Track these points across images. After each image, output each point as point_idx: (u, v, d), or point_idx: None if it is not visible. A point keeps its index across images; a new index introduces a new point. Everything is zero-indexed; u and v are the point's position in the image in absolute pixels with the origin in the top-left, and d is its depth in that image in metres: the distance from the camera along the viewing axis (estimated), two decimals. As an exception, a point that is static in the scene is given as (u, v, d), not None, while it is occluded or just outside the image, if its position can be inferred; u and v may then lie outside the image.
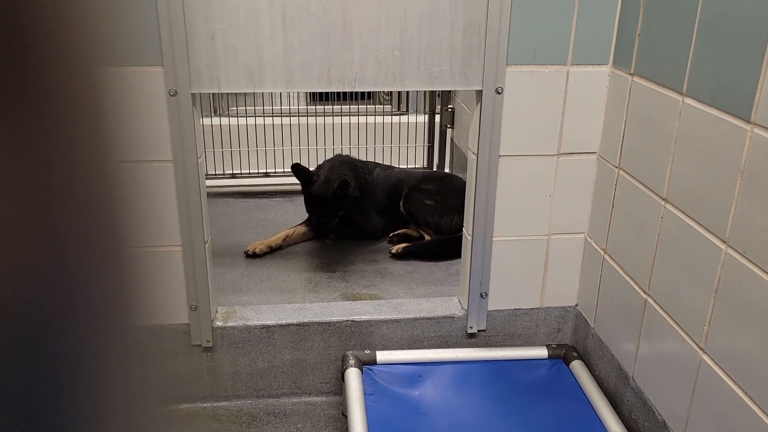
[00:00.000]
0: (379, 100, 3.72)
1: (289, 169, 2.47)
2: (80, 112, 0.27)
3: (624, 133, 1.67)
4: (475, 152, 1.77)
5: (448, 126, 3.21)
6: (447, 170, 3.23)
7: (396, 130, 3.22)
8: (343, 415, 1.84)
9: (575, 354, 1.89)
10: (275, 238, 2.47)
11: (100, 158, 0.28)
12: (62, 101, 0.26)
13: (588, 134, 1.79)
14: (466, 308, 1.93)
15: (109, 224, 0.29)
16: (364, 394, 1.72)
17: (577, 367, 1.85)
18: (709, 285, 1.33)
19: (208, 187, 1.88)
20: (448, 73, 1.69)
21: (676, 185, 1.45)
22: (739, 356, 1.26)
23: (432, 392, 1.78)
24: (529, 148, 1.78)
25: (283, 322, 1.87)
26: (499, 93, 1.70)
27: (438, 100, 3.24)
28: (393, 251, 2.41)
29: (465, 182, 1.91)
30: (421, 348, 1.93)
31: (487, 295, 1.90)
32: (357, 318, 1.90)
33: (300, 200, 2.52)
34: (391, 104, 3.70)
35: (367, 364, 1.84)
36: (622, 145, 1.68)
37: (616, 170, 1.71)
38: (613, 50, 1.71)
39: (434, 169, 3.25)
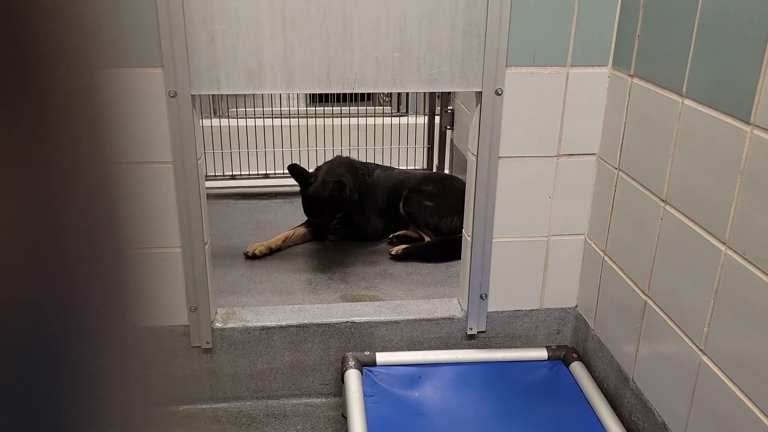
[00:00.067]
0: (379, 102, 3.72)
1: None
2: (80, 113, 0.27)
3: (624, 135, 1.67)
4: (475, 153, 1.77)
5: (448, 127, 3.21)
6: (447, 171, 3.23)
7: (396, 132, 3.23)
8: (343, 417, 1.84)
9: (575, 355, 1.89)
10: (275, 240, 2.47)
11: (99, 159, 0.28)
12: (62, 102, 0.26)
13: (588, 135, 1.79)
14: (465, 309, 1.92)
15: (109, 225, 0.29)
16: (364, 395, 1.72)
17: (577, 368, 1.85)
18: (709, 286, 1.33)
19: (207, 188, 1.88)
20: (448, 74, 1.69)
21: (676, 186, 1.45)
22: (738, 357, 1.26)
23: (432, 393, 1.78)
24: (529, 149, 1.78)
25: (283, 323, 1.87)
26: (498, 94, 1.70)
27: (438, 102, 3.24)
28: (393, 252, 2.41)
29: (465, 183, 1.91)
30: (420, 349, 1.93)
31: (486, 296, 1.90)
32: (357, 319, 1.90)
33: (300, 202, 2.52)
34: (390, 105, 3.70)
35: (366, 365, 1.84)
36: (621, 147, 1.69)
37: (616, 171, 1.72)
38: (612, 51, 1.71)
39: (434, 171, 3.25)
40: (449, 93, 3.16)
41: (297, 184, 2.47)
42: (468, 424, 1.69)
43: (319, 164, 2.64)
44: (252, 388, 1.91)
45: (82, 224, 0.27)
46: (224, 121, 3.17)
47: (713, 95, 1.31)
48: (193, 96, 1.62)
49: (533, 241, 1.87)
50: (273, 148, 3.12)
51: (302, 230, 2.54)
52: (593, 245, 1.85)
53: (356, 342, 1.90)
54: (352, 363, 1.81)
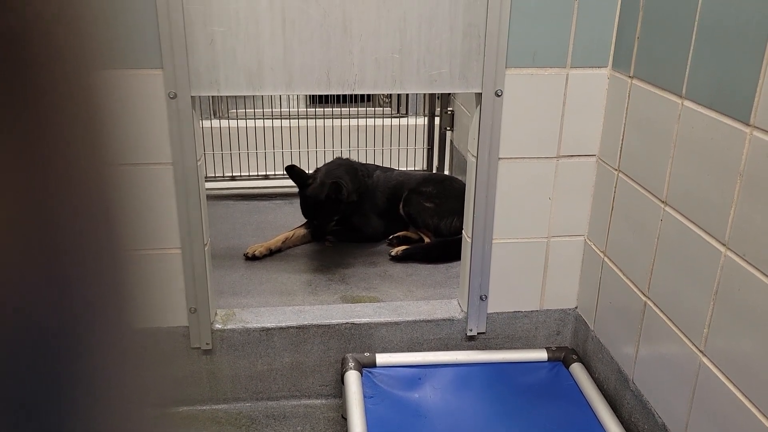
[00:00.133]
0: (379, 103, 3.72)
1: (289, 172, 2.47)
2: (75, 114, 0.27)
3: (623, 136, 1.67)
4: (475, 155, 1.77)
5: (448, 128, 3.21)
6: (446, 173, 3.23)
7: (395, 133, 3.23)
8: (343, 418, 1.84)
9: (575, 356, 1.89)
10: (275, 241, 2.47)
11: (95, 160, 0.28)
12: (57, 102, 0.25)
13: (587, 137, 1.79)
14: (465, 311, 1.92)
15: (104, 226, 0.29)
16: (364, 396, 1.72)
17: (577, 369, 1.85)
18: (709, 288, 1.33)
19: (207, 189, 1.88)
20: (448, 75, 1.69)
21: (676, 188, 1.45)
22: (738, 359, 1.26)
23: (432, 395, 1.78)
24: (529, 150, 1.78)
25: (283, 324, 1.87)
26: (498, 95, 1.70)
27: (437, 103, 3.24)
28: (392, 254, 2.41)
29: (464, 185, 1.91)
30: (420, 350, 1.92)
31: (486, 297, 1.90)
32: (356, 320, 1.90)
33: (299, 203, 2.52)
34: (390, 107, 3.70)
35: (366, 366, 1.84)
36: (621, 148, 1.69)
37: (616, 173, 1.72)
38: (612, 53, 1.71)
39: (434, 172, 3.25)
40: (449, 94, 3.16)
41: (296, 185, 2.47)
42: (468, 426, 1.69)
43: (318, 165, 2.64)
44: (252, 390, 1.91)
45: (78, 225, 0.27)
46: (224, 122, 3.17)
47: (713, 96, 1.31)
48: (192, 97, 1.62)
49: (533, 242, 1.87)
50: (273, 149, 3.12)
51: (302, 231, 2.54)
52: (593, 246, 1.85)
53: (356, 343, 1.90)
54: (351, 364, 1.81)
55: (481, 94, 1.70)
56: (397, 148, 3.23)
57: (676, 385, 1.46)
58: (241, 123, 3.16)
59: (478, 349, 1.95)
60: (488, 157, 1.75)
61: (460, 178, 2.77)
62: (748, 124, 1.21)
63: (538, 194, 1.82)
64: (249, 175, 3.12)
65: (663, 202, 1.50)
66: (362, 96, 3.59)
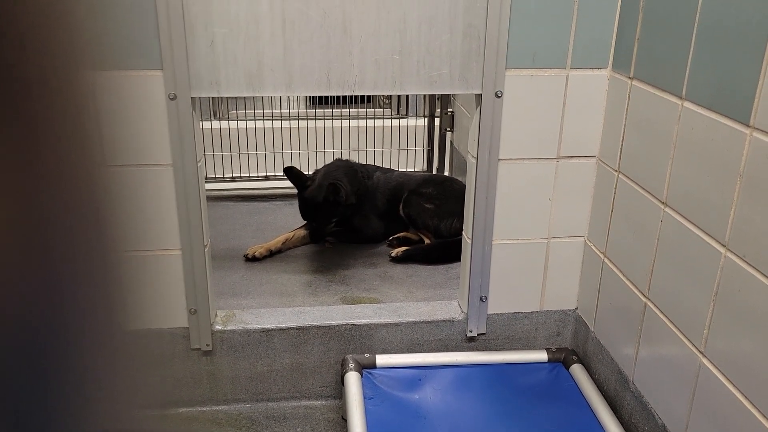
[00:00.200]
0: (379, 104, 3.72)
1: (289, 173, 2.47)
2: (65, 114, 0.26)
3: (623, 137, 1.67)
4: (475, 156, 1.77)
5: (448, 129, 3.21)
6: (446, 174, 3.23)
7: (395, 134, 3.23)
8: (343, 419, 1.83)
9: (575, 357, 1.89)
10: (275, 242, 2.47)
11: (86, 160, 0.28)
12: (47, 102, 0.25)
13: (587, 138, 1.79)
14: (465, 312, 1.92)
15: (95, 226, 0.29)
16: (364, 397, 1.72)
17: (577, 370, 1.85)
18: (709, 289, 1.33)
19: (207, 190, 1.88)
20: (448, 76, 1.69)
21: (676, 189, 1.45)
22: (738, 360, 1.26)
23: (432, 396, 1.78)
24: (529, 151, 1.78)
25: (283, 325, 1.87)
26: (498, 97, 1.70)
27: (437, 104, 3.24)
28: (393, 255, 2.41)
29: (464, 186, 1.91)
30: (420, 351, 1.92)
31: (486, 298, 1.90)
32: (357, 321, 1.90)
33: (299, 204, 2.52)
34: (390, 107, 3.70)
35: (366, 367, 1.84)
36: (621, 149, 1.69)
37: (616, 174, 1.72)
38: (612, 54, 1.71)
39: (434, 173, 3.25)
40: (449, 95, 3.17)
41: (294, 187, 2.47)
42: (468, 427, 1.69)
43: (319, 166, 2.64)
44: (252, 391, 1.91)
45: (68, 225, 0.27)
46: (224, 124, 3.17)
47: (713, 98, 1.31)
48: (193, 98, 1.62)
49: (533, 243, 1.87)
50: (273, 150, 3.13)
51: (302, 232, 2.54)
52: (593, 247, 1.85)
53: (356, 344, 1.90)
54: (352, 365, 1.81)
55: (481, 95, 1.70)
56: (397, 149, 3.23)
57: (676, 386, 1.46)
58: (242, 124, 3.16)
59: (478, 350, 1.95)
60: (488, 158, 1.75)
61: (460, 179, 2.77)
62: (748, 125, 1.21)
63: (538, 195, 1.82)
64: (249, 176, 3.13)
65: (663, 203, 1.50)
66: (362, 97, 3.59)
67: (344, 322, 1.89)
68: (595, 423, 1.68)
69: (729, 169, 1.26)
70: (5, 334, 0.25)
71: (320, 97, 3.43)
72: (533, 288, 1.92)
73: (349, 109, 3.29)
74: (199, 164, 1.67)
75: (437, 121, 3.24)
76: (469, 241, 1.85)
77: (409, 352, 1.92)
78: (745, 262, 1.22)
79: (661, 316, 1.51)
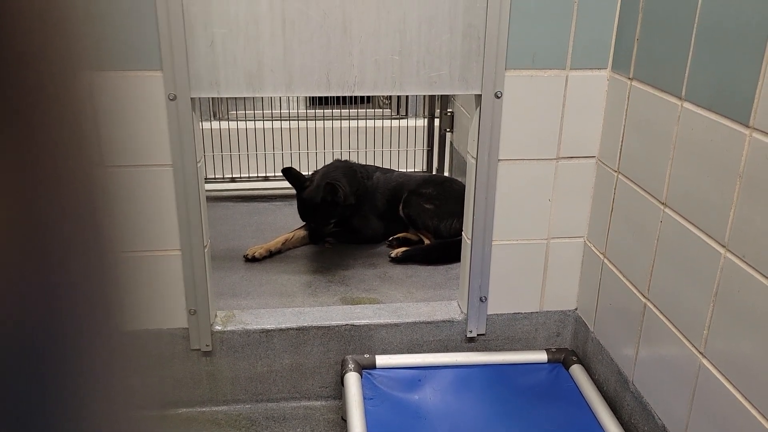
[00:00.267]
0: (379, 104, 3.72)
1: (288, 174, 2.47)
2: (62, 115, 0.26)
3: (623, 137, 1.67)
4: (475, 156, 1.77)
5: (448, 130, 3.21)
6: (446, 174, 3.23)
7: (395, 134, 3.23)
8: (343, 420, 1.83)
9: (575, 358, 1.89)
10: (275, 242, 2.47)
11: (83, 161, 0.28)
12: (43, 103, 0.25)
13: (587, 138, 1.79)
14: (465, 312, 1.92)
15: (93, 227, 0.29)
16: (364, 398, 1.72)
17: (577, 371, 1.85)
18: (709, 289, 1.33)
19: (207, 191, 1.88)
20: (448, 77, 1.69)
21: (675, 189, 1.45)
22: (738, 360, 1.26)
23: (431, 396, 1.77)
24: (529, 152, 1.78)
25: (283, 326, 1.87)
26: (498, 97, 1.70)
27: (437, 104, 3.24)
28: (392, 255, 2.41)
29: (464, 186, 1.91)
30: (420, 352, 1.92)
31: (486, 299, 1.90)
32: (356, 322, 1.90)
33: (299, 204, 2.52)
34: (390, 108, 3.70)
35: (366, 368, 1.83)
36: (621, 149, 1.69)
37: (615, 174, 1.72)
38: (612, 54, 1.71)
39: (434, 173, 3.25)
40: (449, 96, 3.16)
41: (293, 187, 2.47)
42: (468, 427, 1.69)
43: (319, 167, 2.64)
44: (251, 391, 1.91)
45: (64, 226, 0.27)
46: (224, 124, 3.17)
47: (712, 98, 1.31)
48: (192, 99, 1.62)
49: (533, 243, 1.87)
50: (273, 150, 3.13)
51: (302, 233, 2.54)
52: (593, 248, 1.85)
53: (356, 345, 1.90)
54: (351, 366, 1.81)
55: (480, 95, 1.70)
56: (396, 149, 3.23)
57: (676, 387, 1.46)
58: (241, 124, 3.16)
59: (477, 350, 1.95)
60: (488, 158, 1.75)
61: (459, 179, 2.77)
62: (747, 126, 1.21)
63: (537, 196, 1.82)
64: (249, 177, 3.13)
65: (663, 203, 1.50)
66: (362, 97, 3.59)
67: (344, 322, 1.89)
68: (594, 423, 1.68)
69: (729, 170, 1.26)
70: (2, 335, 0.25)
71: (320, 98, 3.43)
72: (533, 288, 1.92)
73: (349, 109, 3.29)
74: (198, 165, 1.67)
75: (437, 121, 3.24)
76: (468, 242, 1.85)
77: (408, 353, 1.92)
78: (745, 262, 1.22)
79: (661, 316, 1.51)
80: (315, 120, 3.23)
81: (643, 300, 1.59)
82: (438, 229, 2.46)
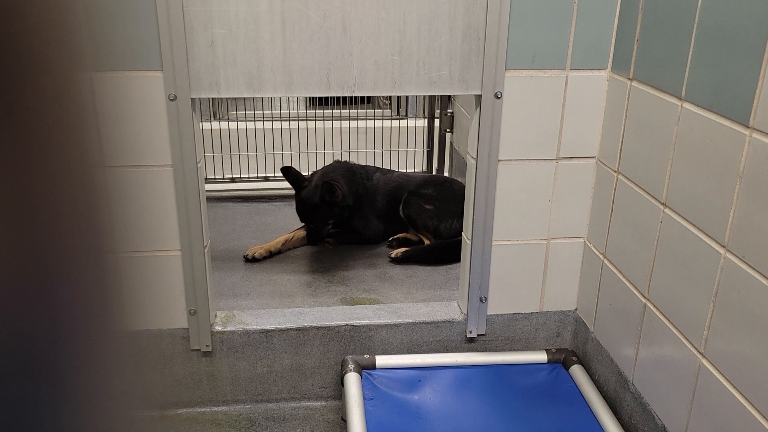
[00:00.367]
0: (379, 105, 3.73)
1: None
2: (63, 115, 0.26)
3: (623, 138, 1.68)
4: (475, 157, 1.77)
5: (448, 130, 3.21)
6: (446, 174, 3.23)
7: (395, 135, 3.23)
8: (343, 420, 1.84)
9: (575, 358, 1.89)
10: (274, 243, 2.47)
11: (81, 161, 0.28)
12: (42, 103, 0.25)
13: (587, 139, 1.79)
14: (465, 312, 1.92)
15: (93, 228, 0.29)
16: (364, 398, 1.72)
17: (577, 371, 1.85)
18: (709, 289, 1.33)
19: (207, 191, 1.88)
20: (447, 77, 1.69)
21: (675, 190, 1.45)
22: (738, 361, 1.26)
23: (431, 397, 1.78)
24: (529, 152, 1.78)
25: (283, 326, 1.87)
26: (498, 97, 1.70)
27: (437, 105, 3.25)
28: (392, 255, 2.41)
29: (464, 186, 1.91)
30: (420, 352, 1.92)
31: (486, 299, 1.90)
32: (356, 322, 1.90)
33: (299, 205, 2.52)
34: (390, 108, 3.70)
35: (366, 368, 1.83)
36: (621, 150, 1.69)
37: (615, 175, 1.72)
38: (611, 55, 1.71)
39: (434, 173, 3.25)
40: (448, 96, 3.17)
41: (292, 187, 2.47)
42: (468, 428, 1.69)
43: (318, 167, 2.64)
44: (251, 392, 1.91)
45: (66, 227, 0.27)
46: (224, 124, 3.18)
47: (712, 99, 1.31)
48: (192, 99, 1.62)
49: (533, 244, 1.87)
50: (273, 151, 3.13)
51: (302, 233, 2.54)
52: (593, 248, 1.85)
53: (356, 345, 1.90)
54: (351, 366, 1.81)
55: (480, 96, 1.71)
56: (396, 149, 3.23)
57: (676, 387, 1.46)
58: (241, 125, 3.16)
59: (477, 350, 1.95)
60: (488, 158, 1.75)
61: (459, 179, 2.77)
62: (747, 126, 1.21)
63: (537, 196, 1.82)
64: (249, 177, 3.13)
65: (662, 204, 1.50)
66: (362, 98, 3.59)
67: (344, 322, 1.89)
68: (594, 424, 1.68)
69: (729, 170, 1.26)
70: (2, 335, 0.25)
71: (320, 98, 3.43)
72: (533, 289, 1.92)
73: (349, 109, 3.29)
74: (198, 165, 1.67)
75: (437, 121, 3.24)
76: (468, 242, 1.85)
77: (408, 353, 1.92)
78: (745, 263, 1.22)
79: (661, 316, 1.51)
80: (315, 120, 3.23)
81: (643, 300, 1.59)
82: (438, 229, 2.46)
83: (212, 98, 3.25)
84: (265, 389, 1.91)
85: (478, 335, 1.94)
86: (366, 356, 1.86)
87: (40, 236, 0.26)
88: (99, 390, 0.30)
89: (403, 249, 2.44)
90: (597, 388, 1.79)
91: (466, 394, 1.79)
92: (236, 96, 1.66)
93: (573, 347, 1.99)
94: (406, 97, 3.60)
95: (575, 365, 1.87)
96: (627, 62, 1.64)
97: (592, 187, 1.84)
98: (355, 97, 3.39)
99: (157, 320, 1.77)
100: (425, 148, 3.29)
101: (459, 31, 1.65)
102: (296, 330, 1.87)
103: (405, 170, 3.10)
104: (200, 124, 1.77)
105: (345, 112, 3.27)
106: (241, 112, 3.35)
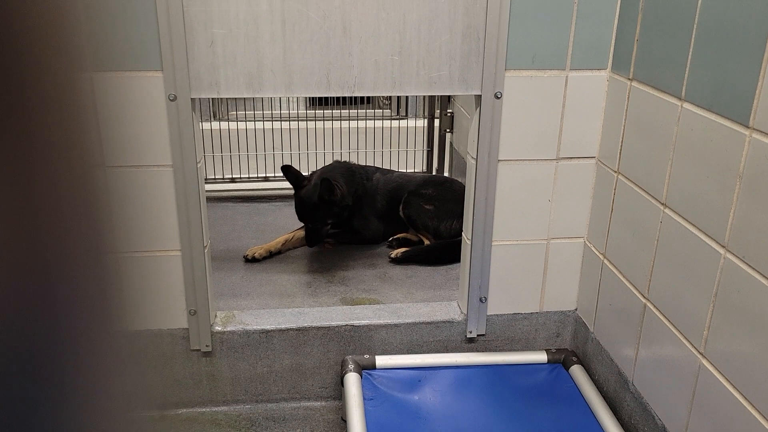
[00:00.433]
0: (379, 105, 3.73)
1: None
2: (63, 115, 0.26)
3: (623, 138, 1.68)
4: (474, 157, 1.77)
5: (448, 130, 3.21)
6: (446, 174, 3.23)
7: (395, 135, 3.23)
8: (343, 420, 1.84)
9: (575, 358, 1.89)
10: (274, 243, 2.47)
11: (81, 161, 0.28)
12: (42, 104, 0.25)
13: (587, 139, 1.79)
14: (465, 313, 1.92)
15: (93, 228, 0.29)
16: (364, 398, 1.72)
17: (577, 371, 1.85)
18: (709, 289, 1.33)
19: (207, 191, 1.88)
20: (447, 77, 1.69)
21: (675, 190, 1.45)
22: (738, 361, 1.26)
23: (431, 397, 1.78)
24: (528, 152, 1.78)
25: (283, 326, 1.87)
26: (498, 98, 1.70)
27: (437, 105, 3.25)
28: (392, 256, 2.41)
29: (464, 187, 1.91)
30: (420, 353, 1.92)
31: (486, 299, 1.90)
32: (356, 322, 1.90)
33: (299, 205, 2.52)
34: (390, 108, 3.70)
35: (366, 368, 1.83)
36: (620, 150, 1.69)
37: (615, 175, 1.72)
38: (611, 55, 1.71)
39: (434, 174, 3.25)
40: (448, 96, 3.17)
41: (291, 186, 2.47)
42: (468, 428, 1.69)
43: (318, 167, 2.64)
44: (251, 392, 1.91)
45: (66, 227, 0.27)
46: (224, 124, 3.18)
47: (712, 99, 1.31)
48: (192, 99, 1.62)
49: (533, 244, 1.87)
50: (273, 151, 3.13)
51: (302, 233, 2.53)
52: (593, 248, 1.85)
53: (356, 345, 1.90)
54: (351, 366, 1.81)
55: (480, 96, 1.71)
56: (396, 150, 3.23)
57: (676, 387, 1.46)
58: (241, 125, 3.16)
59: (477, 351, 1.95)
60: (488, 159, 1.75)
61: (459, 180, 2.78)
62: (747, 126, 1.21)
63: (537, 196, 1.82)
64: (249, 177, 3.13)
65: (662, 204, 1.50)
66: (362, 98, 3.59)
67: (344, 323, 1.89)
68: (594, 424, 1.68)
69: (729, 170, 1.26)
70: (2, 335, 0.25)
71: (320, 98, 3.44)
72: (533, 289, 1.92)
73: (349, 110, 3.29)
74: (198, 165, 1.67)
75: (437, 122, 3.24)
76: (468, 242, 1.85)
77: (408, 353, 1.92)
78: (745, 263, 1.22)
79: (661, 317, 1.51)
80: (315, 120, 3.23)
81: (643, 300, 1.59)
82: (438, 229, 2.46)
83: (212, 98, 3.25)
84: (265, 389, 1.91)
85: (478, 335, 1.94)
86: (366, 356, 1.86)
87: (40, 236, 0.26)
88: (99, 390, 0.30)
89: (403, 249, 2.44)
90: (597, 388, 1.79)
91: (466, 395, 1.79)
92: (236, 96, 1.66)
93: (573, 347, 1.99)
94: (406, 97, 3.60)
95: (575, 365, 1.87)
96: (627, 62, 1.64)
97: (592, 188, 1.84)
98: (355, 98, 3.39)
99: (157, 320, 1.77)
100: (425, 148, 3.29)
101: (459, 31, 1.66)
102: (296, 330, 1.87)
103: (405, 170, 3.10)
104: (200, 124, 1.77)
105: (345, 112, 3.27)
106: (241, 113, 3.35)
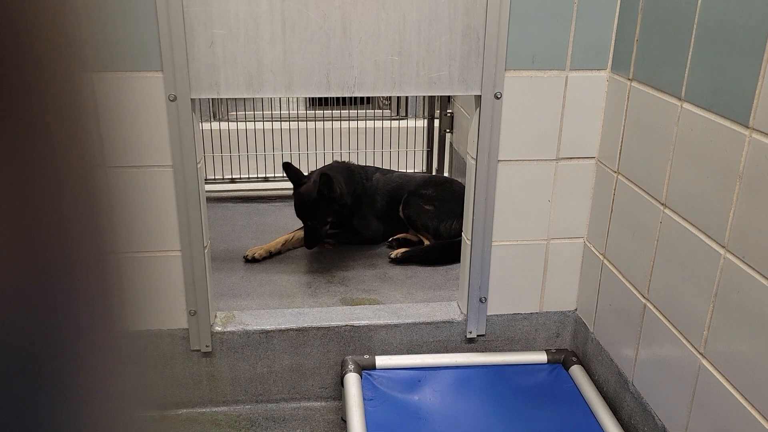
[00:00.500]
0: (379, 105, 3.73)
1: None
2: (64, 115, 0.26)
3: (623, 138, 1.68)
4: (474, 157, 1.77)
5: (447, 131, 3.21)
6: (446, 175, 3.23)
7: (395, 135, 3.23)
8: (343, 420, 1.84)
9: (574, 359, 1.89)
10: (274, 243, 2.47)
11: (83, 162, 0.28)
12: (44, 104, 0.25)
13: (587, 139, 1.79)
14: (465, 313, 1.92)
15: (93, 228, 0.29)
16: (364, 399, 1.72)
17: (577, 371, 1.85)
18: (709, 290, 1.33)
19: (207, 191, 1.88)
20: (447, 78, 1.69)
21: (675, 190, 1.45)
22: (738, 361, 1.26)
23: (431, 397, 1.78)
24: (528, 152, 1.78)
25: (282, 326, 1.87)
26: (497, 98, 1.70)
27: (437, 105, 3.25)
28: (392, 256, 2.41)
29: (464, 187, 1.91)
30: (420, 353, 1.92)
31: (486, 299, 1.90)
32: (356, 323, 1.90)
33: (299, 205, 2.52)
34: (390, 109, 3.70)
35: (366, 369, 1.84)
36: (620, 150, 1.69)
37: (615, 175, 1.72)
38: (611, 55, 1.71)
39: (434, 174, 3.25)
40: (448, 96, 3.17)
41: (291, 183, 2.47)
42: (468, 428, 1.69)
43: (318, 167, 2.64)
44: (251, 392, 1.91)
45: (66, 227, 0.27)
46: (224, 125, 3.18)
47: (712, 99, 1.31)
48: (192, 100, 1.62)
49: (532, 244, 1.87)
50: (273, 151, 3.13)
51: (302, 234, 2.53)
52: (592, 248, 1.85)
53: (356, 345, 1.90)
54: (351, 366, 1.81)
55: (480, 96, 1.71)
56: (396, 150, 3.23)
57: (676, 388, 1.46)
58: (241, 125, 3.16)
59: (477, 351, 1.95)
60: (488, 159, 1.75)
61: (459, 180, 2.78)
62: (747, 127, 1.21)
63: (537, 196, 1.82)
64: (249, 178, 3.13)
65: (662, 204, 1.50)
66: (362, 98, 3.59)
67: (344, 323, 1.89)
68: (594, 424, 1.68)
69: (728, 171, 1.26)
70: (2, 335, 0.25)
71: (320, 99, 3.44)
72: (533, 289, 1.92)
73: (349, 110, 3.29)
74: (198, 165, 1.67)
75: (437, 122, 3.24)
76: (468, 242, 1.85)
77: (408, 354, 1.92)
78: (745, 263, 1.22)
79: (661, 317, 1.51)
80: (315, 121, 3.23)
81: (643, 300, 1.59)
82: (438, 229, 2.46)
83: (212, 99, 3.25)
84: (265, 389, 1.91)
85: (477, 335, 1.94)
86: (366, 356, 1.86)
87: (40, 236, 0.26)
88: (99, 390, 0.30)
89: (402, 249, 2.44)
90: (597, 388, 1.79)
91: (466, 395, 1.79)
92: (236, 96, 1.66)
93: (573, 347, 1.99)
94: (406, 97, 3.60)
95: (575, 365, 1.87)
96: (627, 62, 1.64)
97: (591, 188, 1.84)
98: (355, 98, 3.38)
99: (157, 320, 1.77)
100: (425, 148, 3.29)
101: (459, 31, 1.66)
102: (296, 330, 1.87)
103: (405, 170, 3.10)
104: (200, 124, 1.77)
105: (345, 112, 3.27)
106: (241, 113, 3.35)
